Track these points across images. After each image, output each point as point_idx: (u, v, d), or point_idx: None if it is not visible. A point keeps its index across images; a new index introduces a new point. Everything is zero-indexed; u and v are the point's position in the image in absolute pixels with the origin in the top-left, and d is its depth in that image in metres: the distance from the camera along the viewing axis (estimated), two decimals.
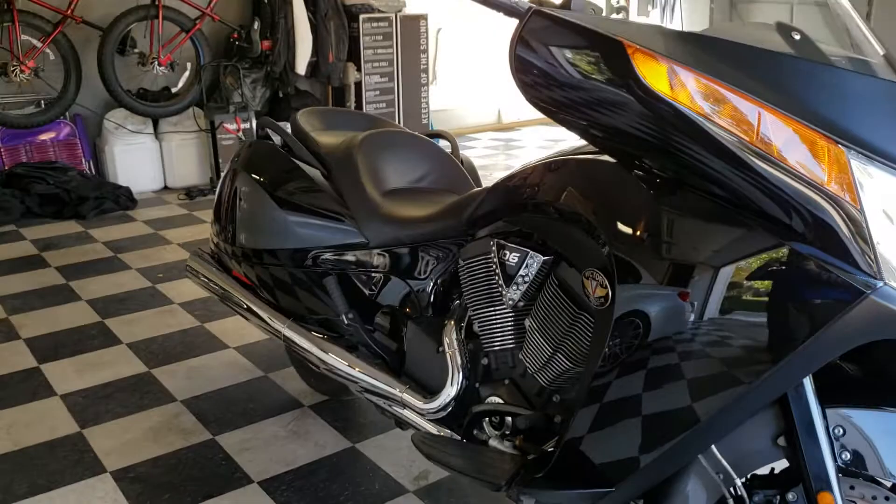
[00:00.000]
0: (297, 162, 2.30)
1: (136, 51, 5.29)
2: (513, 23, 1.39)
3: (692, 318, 1.28)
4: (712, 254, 1.28)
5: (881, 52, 1.46)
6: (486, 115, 8.11)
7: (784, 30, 1.34)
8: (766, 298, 1.25)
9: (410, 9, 6.41)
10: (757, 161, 1.20)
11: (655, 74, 1.21)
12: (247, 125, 5.38)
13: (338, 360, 2.14)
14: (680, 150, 1.26)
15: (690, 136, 1.23)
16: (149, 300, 3.63)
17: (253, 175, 2.36)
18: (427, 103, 6.63)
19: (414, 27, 6.36)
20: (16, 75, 4.94)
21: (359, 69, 6.09)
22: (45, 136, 5.27)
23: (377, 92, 6.27)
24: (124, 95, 5.16)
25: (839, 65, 1.32)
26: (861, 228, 1.19)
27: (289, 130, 2.44)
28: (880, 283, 1.18)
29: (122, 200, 5.10)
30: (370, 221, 2.13)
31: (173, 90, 5.52)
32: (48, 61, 5.09)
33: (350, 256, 2.17)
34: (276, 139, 2.45)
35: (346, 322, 2.18)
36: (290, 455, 2.39)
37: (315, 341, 2.21)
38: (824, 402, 1.32)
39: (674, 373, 1.31)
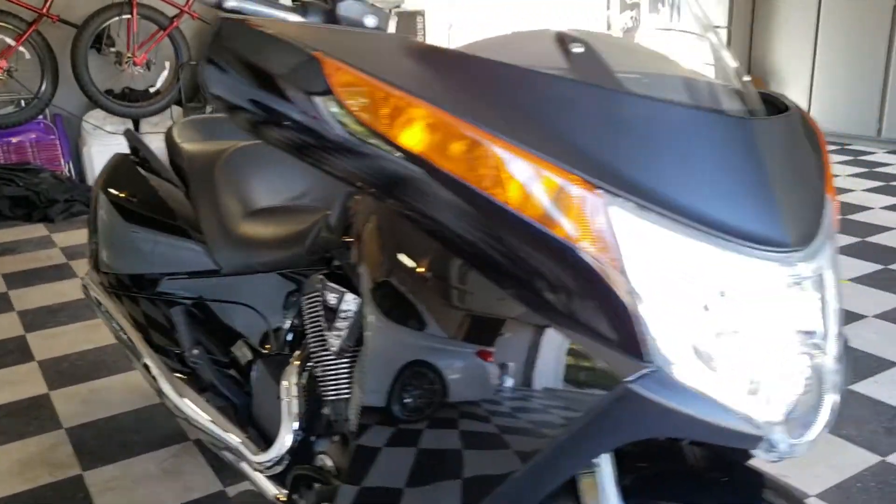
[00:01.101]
0: (153, 178, 2.09)
1: (113, 49, 5.16)
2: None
3: (487, 384, 1.04)
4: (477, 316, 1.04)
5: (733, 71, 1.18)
6: None
7: (565, 41, 1.06)
8: (530, 380, 1.00)
9: (408, 5, 6.17)
10: (496, 212, 0.93)
11: (368, 103, 0.95)
12: None
13: (177, 400, 1.93)
14: (404, 198, 1.00)
15: (410, 182, 0.97)
16: (81, 312, 3.47)
17: (109, 191, 2.15)
18: None
19: (411, 24, 6.12)
20: None
21: None
22: (22, 137, 5.18)
23: None
24: (99, 95, 5.05)
25: (626, 87, 1.04)
26: (618, 300, 0.92)
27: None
28: (647, 369, 0.91)
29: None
30: (223, 245, 1.91)
31: (151, 90, 5.38)
32: (24, 61, 4.99)
33: (202, 284, 1.95)
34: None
35: (191, 359, 1.96)
36: (154, 498, 2.18)
37: (163, 376, 2.00)
38: (631, 496, 1.08)
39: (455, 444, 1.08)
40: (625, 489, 1.08)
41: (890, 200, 4.96)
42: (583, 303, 0.94)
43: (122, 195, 2.12)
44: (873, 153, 6.29)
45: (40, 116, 5.15)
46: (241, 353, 1.93)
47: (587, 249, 0.91)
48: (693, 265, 0.92)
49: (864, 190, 5.21)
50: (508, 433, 1.02)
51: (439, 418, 1.07)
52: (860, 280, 3.65)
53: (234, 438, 1.80)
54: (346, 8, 1.19)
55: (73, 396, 2.75)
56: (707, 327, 0.94)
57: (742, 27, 6.87)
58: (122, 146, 5.42)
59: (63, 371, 2.94)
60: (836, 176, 5.55)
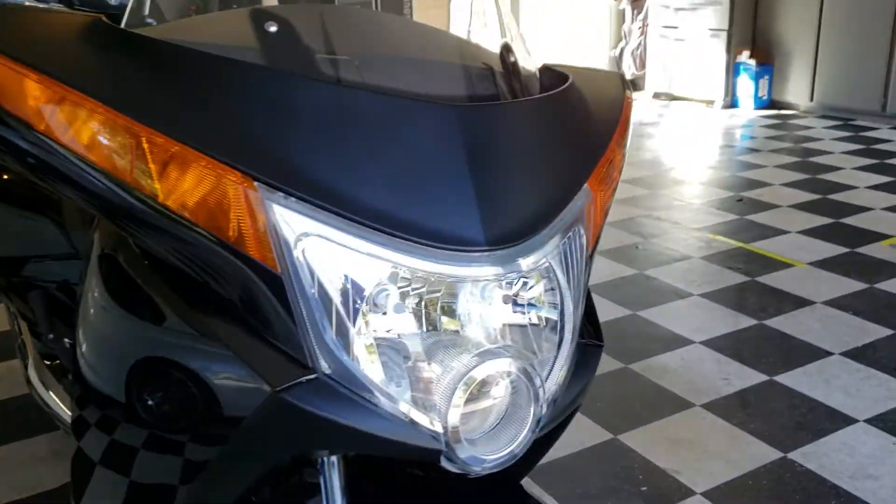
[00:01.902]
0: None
1: None
2: None
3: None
4: None
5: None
6: None
7: (261, 19, 0.99)
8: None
9: None
10: (143, 210, 0.87)
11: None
12: None
13: (41, 389, 1.91)
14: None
15: (51, 171, 0.91)
16: None
17: None
18: None
19: (396, 2, 6.00)
20: None
21: None
22: None
23: None
24: None
25: (315, 70, 0.96)
26: (278, 303, 0.86)
27: None
28: (304, 378, 0.85)
29: None
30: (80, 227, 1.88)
31: None
32: None
33: (66, 267, 1.93)
34: None
35: (50, 345, 1.94)
36: (35, 480, 2.19)
37: (32, 362, 1.99)
38: None
39: None
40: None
41: (878, 179, 4.77)
42: (246, 306, 0.88)
43: None
44: (876, 129, 6.05)
45: None
46: None
47: (246, 249, 0.85)
48: (361, 267, 0.86)
49: (854, 168, 5.02)
50: (186, 444, 0.97)
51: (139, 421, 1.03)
52: (821, 264, 3.51)
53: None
54: None
55: None
56: (376, 334, 0.88)
57: None
58: None
59: None
60: (829, 153, 5.35)
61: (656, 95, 7.25)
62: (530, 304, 0.98)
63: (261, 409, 0.87)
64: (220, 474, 0.92)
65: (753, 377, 2.60)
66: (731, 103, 6.80)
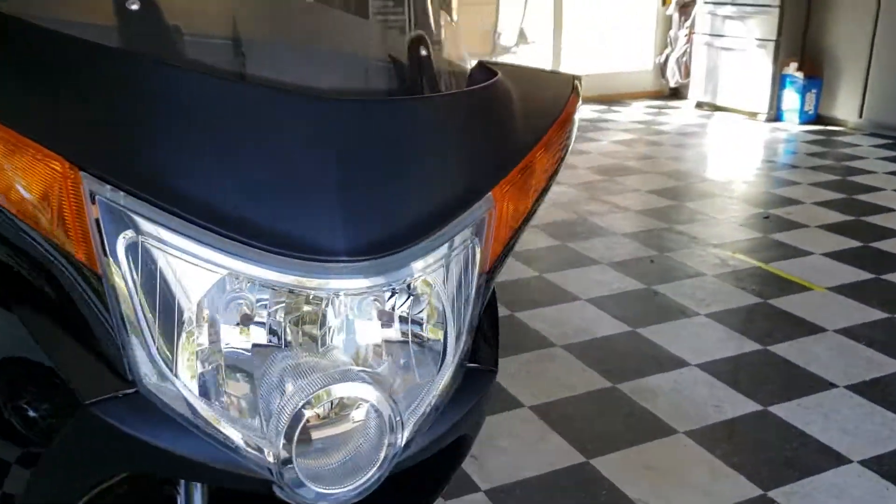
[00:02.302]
0: None
1: None
2: None
3: None
4: None
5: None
6: None
7: None
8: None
9: None
10: None
11: None
12: None
13: None
14: None
15: None
16: None
17: None
18: None
19: None
20: None
21: None
22: None
23: None
24: None
25: (173, 51, 0.89)
26: (99, 308, 0.79)
27: None
28: (120, 392, 0.78)
29: None
30: None
31: None
32: None
33: None
34: None
35: None
36: None
37: None
38: None
39: None
40: None
41: None
42: (67, 308, 0.81)
43: None
44: None
45: None
46: None
47: (67, 245, 0.77)
48: (192, 273, 0.78)
49: (894, 189, 4.78)
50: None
51: None
52: (841, 289, 3.33)
53: None
54: None
55: None
56: (206, 347, 0.80)
57: (798, 6, 6.38)
58: None
59: None
60: (871, 173, 5.11)
61: (699, 105, 7.04)
62: (412, 321, 0.89)
63: (72, 424, 0.80)
64: (38, 493, 0.85)
65: (747, 406, 2.46)
66: (776, 116, 6.56)
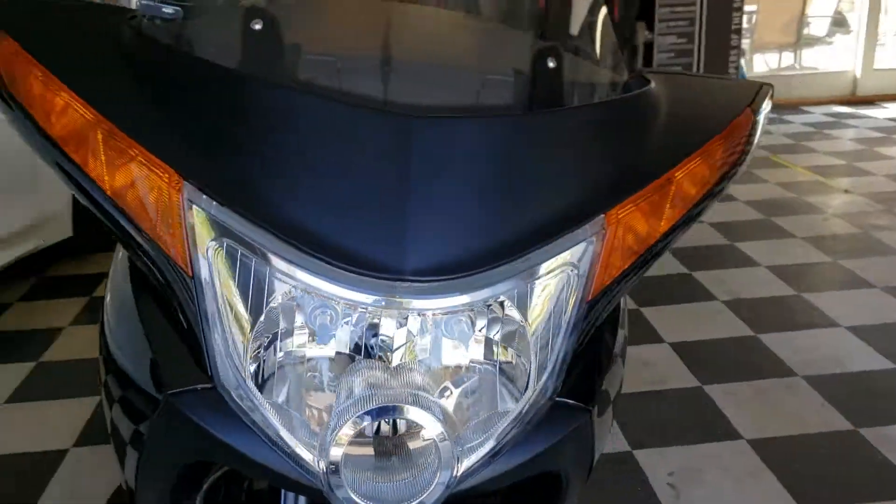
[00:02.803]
0: None
1: None
2: None
3: None
4: None
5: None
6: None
7: (250, 16, 0.97)
8: None
9: None
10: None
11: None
12: None
13: None
14: None
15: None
16: None
17: None
18: (737, 68, 5.82)
19: None
20: None
21: (650, 28, 5.56)
22: None
23: (671, 54, 5.67)
24: None
25: (283, 73, 0.93)
26: (187, 305, 0.86)
27: None
28: (199, 386, 0.86)
29: None
30: None
31: None
32: None
33: None
34: None
35: None
36: None
37: None
38: None
39: None
40: None
41: None
42: (166, 304, 0.90)
43: None
44: None
45: None
46: None
47: (167, 247, 0.86)
48: (271, 283, 0.83)
49: None
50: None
51: None
52: None
53: None
54: None
55: None
56: (278, 354, 0.84)
57: None
58: None
59: None
60: None
61: None
62: (493, 348, 0.87)
63: (159, 412, 0.88)
64: (144, 470, 0.94)
65: None
66: None
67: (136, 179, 0.86)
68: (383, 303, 0.81)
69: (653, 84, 1.07)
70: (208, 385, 0.85)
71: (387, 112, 0.87)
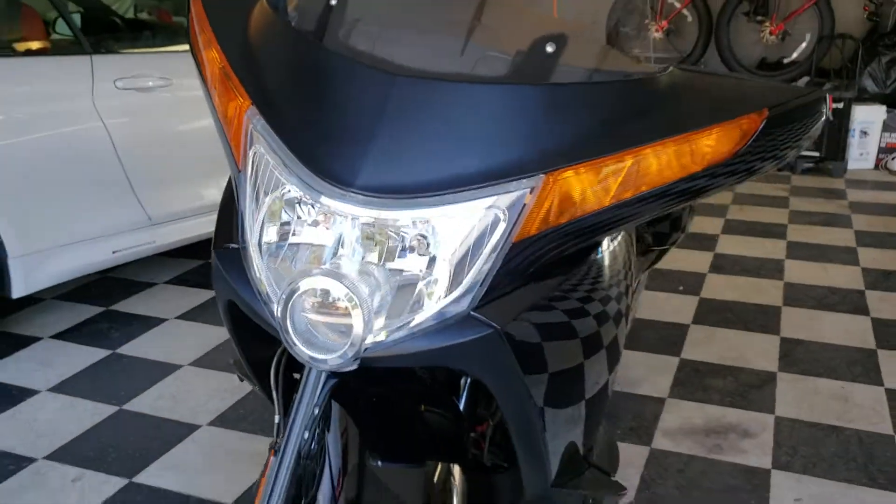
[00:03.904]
0: None
1: (759, 18, 5.18)
2: None
3: None
4: None
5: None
6: None
7: None
8: None
9: None
10: None
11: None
12: (839, 105, 4.86)
13: None
14: None
15: None
16: None
17: None
18: None
19: None
20: (650, 33, 5.42)
21: None
22: None
23: None
24: (731, 59, 5.15)
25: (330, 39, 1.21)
26: (236, 186, 1.17)
27: None
28: (233, 245, 1.16)
29: None
30: None
31: (785, 61, 5.28)
32: (685, 22, 5.34)
33: None
34: None
35: None
36: None
37: None
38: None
39: None
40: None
41: None
42: (230, 183, 1.22)
43: None
44: None
45: None
46: None
47: (234, 145, 1.15)
48: (278, 180, 1.08)
49: None
50: None
51: None
52: None
53: None
54: None
55: None
56: (271, 228, 1.09)
57: None
58: None
59: None
60: None
61: None
62: (415, 256, 1.04)
63: (213, 261, 1.18)
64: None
65: None
66: None
67: (227, 100, 1.16)
68: (335, 205, 1.03)
69: (674, 74, 1.14)
70: (234, 246, 1.13)
71: (384, 70, 1.07)
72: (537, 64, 1.14)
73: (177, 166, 3.08)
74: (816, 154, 4.94)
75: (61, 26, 3.01)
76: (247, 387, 2.35)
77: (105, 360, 2.62)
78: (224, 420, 2.27)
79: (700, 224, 4.01)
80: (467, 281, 1.04)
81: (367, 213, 1.03)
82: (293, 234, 1.08)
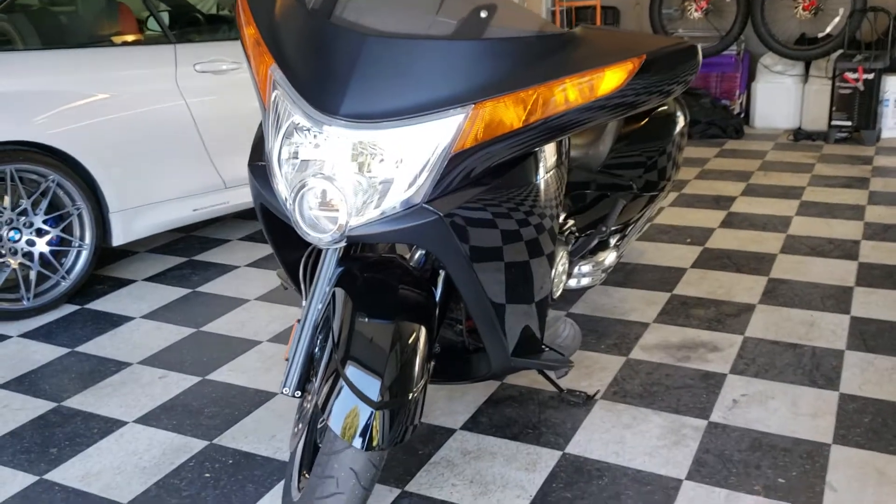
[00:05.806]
0: None
1: None
2: None
3: None
4: None
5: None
6: None
7: None
8: None
9: None
10: None
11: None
12: (869, 76, 5.04)
13: None
14: None
15: None
16: None
17: None
18: None
19: None
20: (690, 14, 5.69)
21: None
22: (709, 69, 5.72)
23: None
24: (767, 37, 5.38)
25: (326, 11, 1.64)
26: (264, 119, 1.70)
27: None
28: (260, 163, 1.71)
29: (728, 131, 5.45)
30: None
31: (819, 35, 5.47)
32: (723, 2, 5.61)
33: None
34: None
35: None
36: None
37: None
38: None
39: None
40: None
41: None
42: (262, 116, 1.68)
43: None
44: None
45: (733, 54, 5.61)
46: None
47: (263, 91, 1.62)
48: (289, 110, 1.56)
49: None
50: None
51: None
52: None
53: None
54: None
55: None
56: (286, 148, 1.57)
57: None
58: (782, 85, 5.54)
59: None
60: None
61: None
62: (371, 164, 1.52)
63: (248, 175, 1.66)
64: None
65: None
66: None
67: (259, 62, 1.63)
68: (326, 129, 1.50)
69: (576, 33, 1.56)
70: (262, 162, 1.64)
71: (360, 33, 1.52)
72: (472, 25, 1.57)
73: (246, 137, 3.60)
74: (849, 123, 5.14)
75: (152, 23, 3.55)
76: (298, 312, 2.84)
77: (186, 296, 3.13)
78: (280, 338, 2.75)
79: (722, 188, 4.30)
80: (420, 180, 1.50)
81: (348, 134, 1.49)
82: (300, 152, 1.55)
